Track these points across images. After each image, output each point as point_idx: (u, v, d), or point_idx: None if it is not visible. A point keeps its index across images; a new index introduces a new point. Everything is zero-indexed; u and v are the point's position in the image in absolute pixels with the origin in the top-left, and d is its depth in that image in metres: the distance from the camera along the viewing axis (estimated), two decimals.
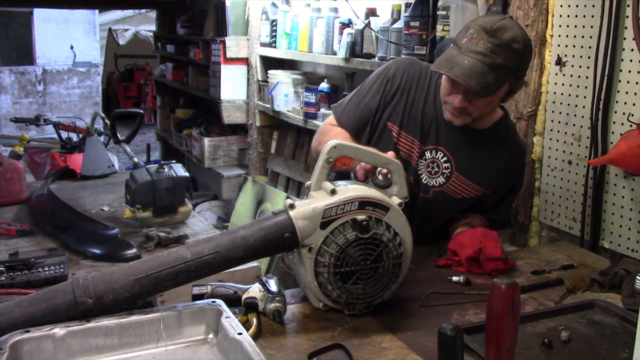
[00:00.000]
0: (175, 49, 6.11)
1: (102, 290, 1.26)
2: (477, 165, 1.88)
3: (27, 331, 1.19)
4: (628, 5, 1.85)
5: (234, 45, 4.62)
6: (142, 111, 3.24)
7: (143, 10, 10.79)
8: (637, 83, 1.86)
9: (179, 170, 2.43)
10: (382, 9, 3.18)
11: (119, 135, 3.00)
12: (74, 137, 3.81)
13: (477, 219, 1.98)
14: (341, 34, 3.30)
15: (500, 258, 1.72)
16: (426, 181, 1.89)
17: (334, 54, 3.40)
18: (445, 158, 1.87)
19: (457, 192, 1.89)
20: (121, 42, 11.68)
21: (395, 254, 1.41)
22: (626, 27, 1.88)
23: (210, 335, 1.30)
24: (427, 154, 1.87)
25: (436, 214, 1.93)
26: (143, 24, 11.25)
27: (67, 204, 2.49)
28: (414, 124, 1.87)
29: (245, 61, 4.69)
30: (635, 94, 1.87)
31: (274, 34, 4.17)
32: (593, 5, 1.98)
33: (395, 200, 1.45)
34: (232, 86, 4.72)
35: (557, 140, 2.16)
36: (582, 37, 2.03)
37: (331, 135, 1.83)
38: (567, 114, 2.11)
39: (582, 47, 2.04)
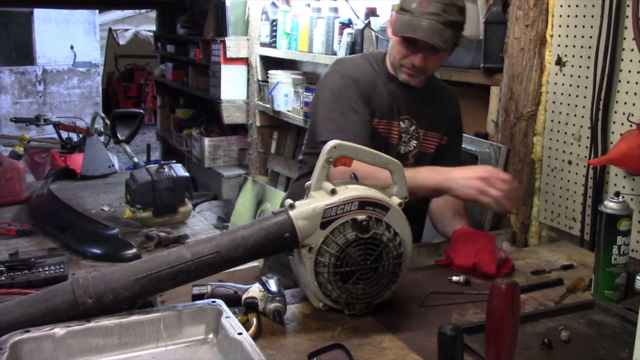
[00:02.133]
0: (175, 49, 6.11)
1: (102, 290, 1.26)
2: (432, 116, 2.01)
3: (27, 331, 1.19)
4: (628, 5, 1.85)
5: (234, 45, 4.62)
6: (142, 111, 3.25)
7: (143, 10, 10.79)
8: (637, 83, 1.86)
9: (179, 170, 2.43)
10: (382, 9, 3.18)
11: (119, 135, 3.00)
12: (74, 137, 3.81)
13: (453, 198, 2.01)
14: (341, 34, 3.30)
15: (494, 275, 1.67)
16: (404, 151, 1.98)
17: (334, 54, 3.40)
18: (409, 123, 1.98)
19: (428, 147, 2.02)
20: (121, 42, 11.68)
21: (395, 254, 1.41)
22: (626, 27, 1.88)
23: (210, 335, 1.30)
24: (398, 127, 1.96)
25: None
26: (143, 24, 11.25)
27: (67, 204, 2.49)
28: (388, 108, 1.93)
29: (245, 61, 4.69)
30: (635, 94, 1.87)
31: (274, 34, 4.17)
32: (593, 5, 1.98)
33: (395, 200, 1.45)
34: (232, 86, 4.73)
35: (557, 140, 2.16)
36: (582, 37, 2.03)
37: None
38: (567, 114, 2.11)
39: (582, 47, 2.04)
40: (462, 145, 2.21)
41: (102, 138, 3.55)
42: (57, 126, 3.90)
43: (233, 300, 1.42)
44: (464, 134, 2.50)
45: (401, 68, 1.89)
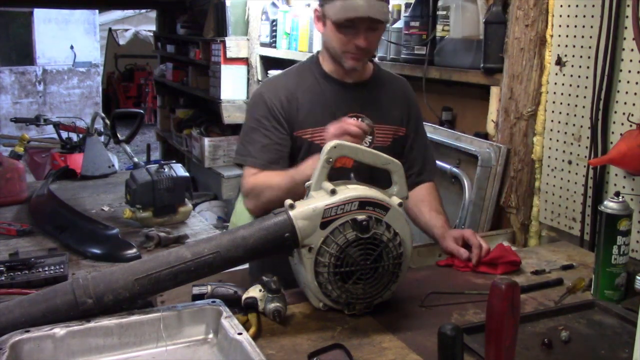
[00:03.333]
0: (175, 49, 6.11)
1: (102, 290, 1.26)
2: (383, 109, 1.94)
3: (27, 331, 1.19)
4: (628, 5, 1.85)
5: (234, 45, 4.62)
6: (142, 111, 3.25)
7: (143, 10, 10.79)
8: (637, 83, 1.86)
9: (179, 170, 2.43)
10: None
11: (119, 135, 3.00)
12: (74, 137, 3.81)
13: (428, 192, 1.99)
14: None
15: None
16: None
17: None
18: (360, 120, 1.89)
19: (385, 140, 1.93)
20: (121, 42, 11.67)
21: (395, 254, 1.41)
22: (626, 27, 1.88)
23: (210, 335, 1.30)
24: None
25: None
26: (143, 24, 11.24)
27: (67, 204, 2.50)
28: (321, 116, 1.86)
29: (245, 61, 4.69)
30: (635, 94, 1.87)
31: (274, 34, 4.17)
32: (593, 5, 1.98)
33: (395, 200, 1.45)
34: (232, 86, 4.73)
35: (557, 140, 2.16)
36: (582, 37, 2.03)
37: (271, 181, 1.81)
38: (567, 114, 2.11)
39: (582, 47, 2.04)
40: (462, 145, 2.19)
41: (102, 138, 3.55)
42: (57, 126, 3.90)
43: (233, 300, 1.42)
44: (463, 134, 2.51)
45: (345, 55, 1.82)
